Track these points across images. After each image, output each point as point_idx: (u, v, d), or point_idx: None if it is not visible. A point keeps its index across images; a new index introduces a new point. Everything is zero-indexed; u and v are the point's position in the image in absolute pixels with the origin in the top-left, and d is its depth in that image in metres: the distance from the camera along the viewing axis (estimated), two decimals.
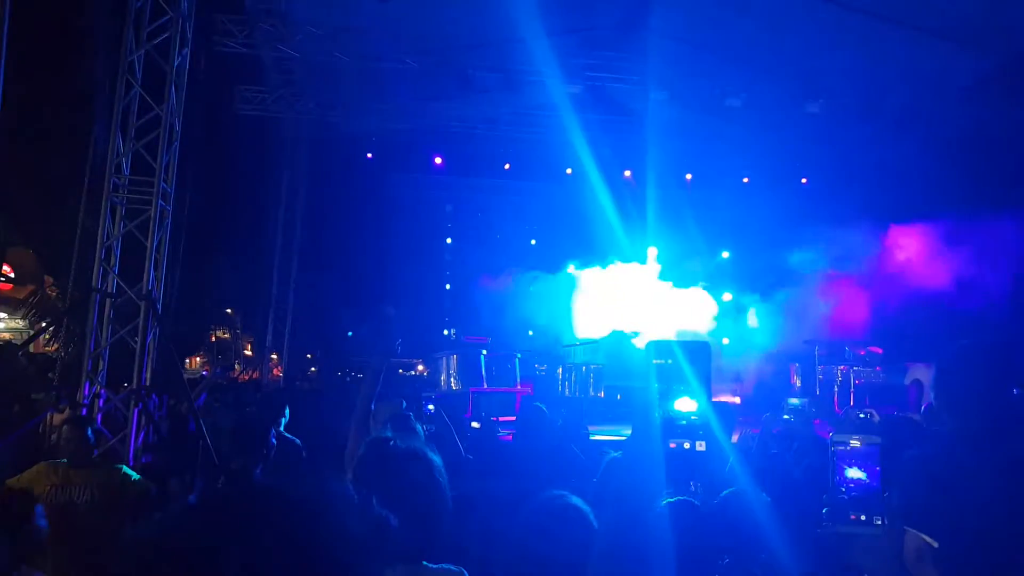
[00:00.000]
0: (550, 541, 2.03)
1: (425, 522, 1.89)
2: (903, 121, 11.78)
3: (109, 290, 7.52)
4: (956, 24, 9.52)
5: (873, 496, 1.72)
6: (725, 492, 2.55)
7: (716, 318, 13.18)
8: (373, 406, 3.16)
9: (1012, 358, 2.46)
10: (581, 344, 11.90)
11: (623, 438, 6.26)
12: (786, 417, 7.40)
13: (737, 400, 9.71)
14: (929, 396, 8.00)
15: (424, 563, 1.85)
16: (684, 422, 3.54)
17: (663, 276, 13.83)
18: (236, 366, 25.91)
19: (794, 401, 7.39)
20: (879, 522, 1.68)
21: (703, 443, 3.36)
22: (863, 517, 1.71)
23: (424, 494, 1.93)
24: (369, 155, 15.64)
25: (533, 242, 16.60)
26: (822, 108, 11.58)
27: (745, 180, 14.46)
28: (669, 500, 2.61)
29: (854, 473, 1.73)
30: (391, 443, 2.02)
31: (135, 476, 4.66)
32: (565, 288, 14.57)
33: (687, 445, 3.38)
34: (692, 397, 3.65)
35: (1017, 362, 2.49)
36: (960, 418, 2.11)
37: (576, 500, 2.18)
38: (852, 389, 10.01)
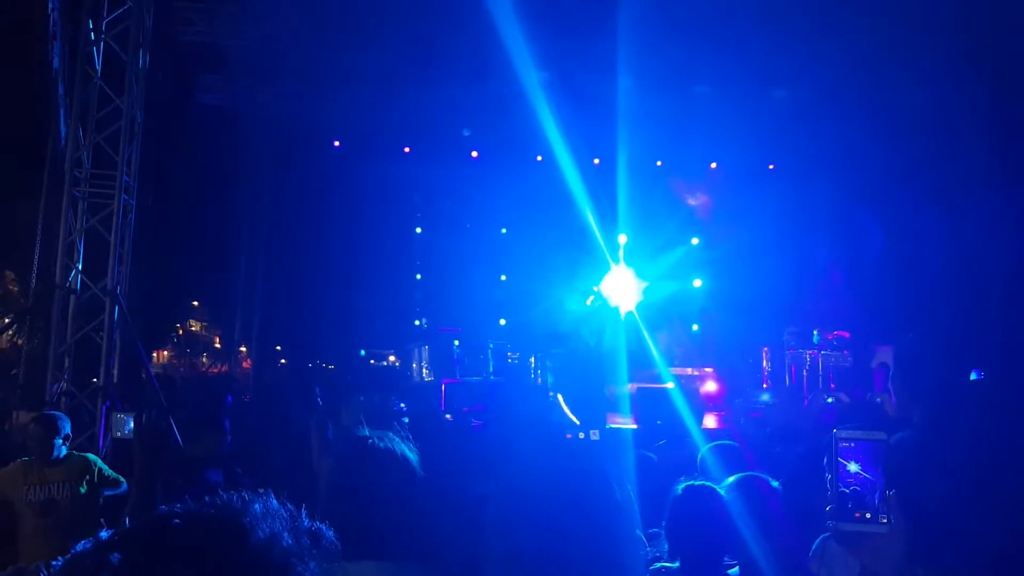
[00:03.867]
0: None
1: (402, 520, 1.91)
2: (868, 106, 11.96)
3: (73, 286, 7.38)
4: (920, 8, 9.66)
5: (877, 493, 1.70)
6: (735, 477, 2.60)
7: (688, 305, 13.32)
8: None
9: (965, 342, 2.52)
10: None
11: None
12: (765, 398, 7.51)
13: (714, 388, 9.80)
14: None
15: (403, 562, 1.87)
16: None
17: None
18: (204, 358, 25.62)
19: (764, 397, 7.51)
20: (885, 520, 1.66)
21: (596, 432, 3.51)
22: (868, 515, 1.69)
23: (401, 492, 1.94)
24: (336, 143, 15.46)
25: (504, 231, 16.57)
26: (788, 94, 11.69)
27: (713, 166, 14.57)
28: (690, 483, 2.64)
29: (854, 468, 1.71)
30: (368, 442, 2.02)
31: (107, 469, 4.64)
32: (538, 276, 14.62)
33: (582, 435, 3.52)
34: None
35: (970, 345, 2.55)
36: (921, 410, 2.14)
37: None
38: (821, 373, 10.20)
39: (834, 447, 1.79)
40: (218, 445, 4.21)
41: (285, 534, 0.88)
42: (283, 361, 20.63)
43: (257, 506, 0.89)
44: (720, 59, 11.46)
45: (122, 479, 4.59)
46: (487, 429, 5.62)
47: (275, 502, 0.92)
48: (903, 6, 9.67)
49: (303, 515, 0.94)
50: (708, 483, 2.61)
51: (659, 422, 4.63)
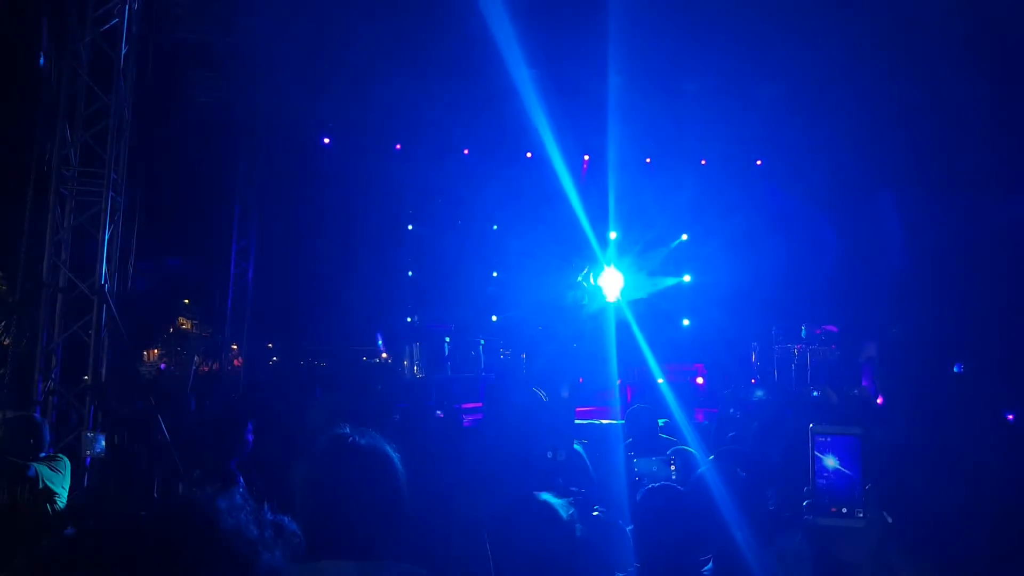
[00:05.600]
0: (524, 539, 2.05)
1: (384, 518, 1.90)
2: (857, 103, 11.99)
3: (60, 285, 7.35)
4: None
5: (853, 488, 1.69)
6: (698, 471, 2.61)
7: (677, 300, 13.36)
8: None
9: (949, 337, 2.55)
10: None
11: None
12: (760, 394, 7.51)
13: (700, 381, 9.90)
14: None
15: (386, 561, 1.86)
16: None
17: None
18: (196, 358, 25.48)
19: (759, 393, 7.52)
20: (861, 515, 1.65)
21: None
22: (844, 510, 1.68)
23: (382, 490, 1.94)
24: (327, 140, 15.42)
25: (495, 227, 16.56)
26: (776, 91, 11.73)
27: (703, 162, 14.61)
28: (653, 486, 2.66)
29: (832, 462, 1.70)
30: (349, 439, 2.01)
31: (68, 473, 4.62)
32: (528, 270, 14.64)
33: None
34: None
35: (954, 340, 2.57)
36: (904, 403, 2.17)
37: (547, 496, 2.20)
38: (809, 368, 10.25)
39: (811, 442, 1.78)
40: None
41: (251, 526, 0.91)
42: (275, 359, 20.56)
43: (222, 501, 0.92)
44: (709, 55, 11.48)
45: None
46: (480, 427, 5.62)
47: (239, 497, 0.95)
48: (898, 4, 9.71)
49: (266, 509, 0.98)
50: (670, 484, 2.62)
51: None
